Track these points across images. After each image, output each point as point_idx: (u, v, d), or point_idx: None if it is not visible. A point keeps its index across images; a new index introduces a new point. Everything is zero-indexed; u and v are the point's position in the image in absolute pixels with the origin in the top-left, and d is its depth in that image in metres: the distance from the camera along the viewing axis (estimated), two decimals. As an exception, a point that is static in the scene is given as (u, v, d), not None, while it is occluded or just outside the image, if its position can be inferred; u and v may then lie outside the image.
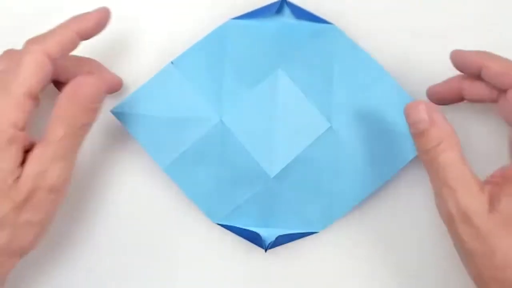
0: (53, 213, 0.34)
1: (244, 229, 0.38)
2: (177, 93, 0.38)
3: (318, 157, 0.38)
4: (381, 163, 0.38)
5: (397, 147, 0.38)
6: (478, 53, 0.35)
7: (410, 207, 0.40)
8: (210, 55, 0.38)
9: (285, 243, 0.38)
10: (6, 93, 0.32)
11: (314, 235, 0.39)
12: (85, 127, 0.34)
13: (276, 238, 0.38)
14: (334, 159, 0.38)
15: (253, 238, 0.38)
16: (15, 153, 0.32)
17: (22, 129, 0.32)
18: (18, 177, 0.32)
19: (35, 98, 0.33)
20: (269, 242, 0.38)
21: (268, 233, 0.38)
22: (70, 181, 0.34)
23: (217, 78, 0.38)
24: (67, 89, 0.33)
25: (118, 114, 0.38)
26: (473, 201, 0.31)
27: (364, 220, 0.40)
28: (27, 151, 0.33)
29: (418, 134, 0.33)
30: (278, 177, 0.37)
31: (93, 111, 0.34)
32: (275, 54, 0.38)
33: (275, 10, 0.39)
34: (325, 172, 0.38)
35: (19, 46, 0.35)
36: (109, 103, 0.39)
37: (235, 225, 0.38)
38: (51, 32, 0.35)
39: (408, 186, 0.40)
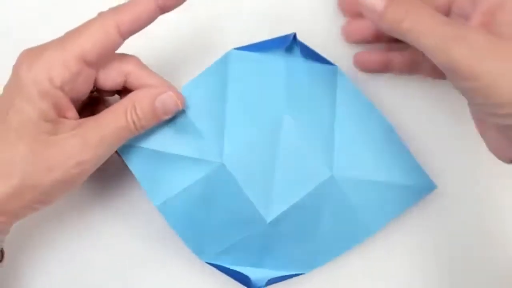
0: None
1: (234, 270, 0.38)
2: (179, 130, 0.36)
3: (315, 205, 0.37)
4: (375, 213, 0.38)
5: (393, 198, 0.38)
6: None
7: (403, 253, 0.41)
8: (213, 89, 0.37)
9: (274, 283, 0.39)
10: (61, 47, 0.32)
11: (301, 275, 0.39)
12: (140, 130, 0.34)
13: (267, 283, 0.38)
14: (330, 206, 0.37)
15: (242, 279, 0.38)
16: (42, 107, 0.32)
17: (59, 88, 0.32)
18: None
19: (88, 64, 0.33)
20: (259, 286, 0.38)
21: (258, 274, 0.38)
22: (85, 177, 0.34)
23: (220, 115, 0.36)
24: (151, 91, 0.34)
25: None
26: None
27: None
28: (61, 115, 0.33)
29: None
30: (274, 223, 0.37)
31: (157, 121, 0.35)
32: (280, 94, 0.37)
33: (286, 46, 0.37)
34: (320, 218, 0.38)
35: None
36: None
37: (224, 265, 0.38)
38: (130, 3, 0.33)
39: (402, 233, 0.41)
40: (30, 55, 0.32)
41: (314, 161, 0.37)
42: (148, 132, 0.36)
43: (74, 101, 0.34)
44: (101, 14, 0.33)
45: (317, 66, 0.38)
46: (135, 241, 0.41)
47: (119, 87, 0.36)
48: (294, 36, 0.37)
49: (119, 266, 0.40)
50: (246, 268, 0.38)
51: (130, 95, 0.34)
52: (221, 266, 0.38)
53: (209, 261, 0.38)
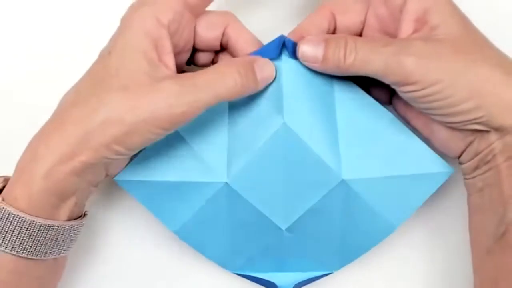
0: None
1: (260, 278, 0.39)
2: (179, 156, 0.37)
3: (330, 208, 0.37)
4: (394, 208, 0.37)
5: (410, 190, 0.37)
6: None
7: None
8: (209, 115, 0.36)
9: (302, 286, 0.39)
10: None
11: (330, 275, 0.39)
12: (239, 92, 0.34)
13: (294, 286, 0.39)
14: (345, 209, 0.37)
15: (270, 286, 0.39)
16: (144, 45, 0.32)
17: (165, 26, 0.33)
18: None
19: (190, 7, 0.34)
20: None
21: (284, 279, 0.39)
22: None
23: (219, 134, 0.37)
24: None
25: (122, 182, 0.37)
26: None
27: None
28: (161, 59, 0.33)
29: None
30: (290, 229, 0.37)
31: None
32: (277, 103, 0.36)
33: (276, 52, 0.36)
34: (336, 222, 0.37)
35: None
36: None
37: (250, 274, 0.39)
38: None
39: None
40: (137, 2, 0.34)
41: (322, 167, 0.36)
42: (150, 165, 0.37)
43: (175, 51, 0.35)
44: None
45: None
46: (161, 253, 0.42)
47: (217, 41, 0.36)
48: (282, 38, 0.36)
49: (146, 277, 0.42)
50: (271, 274, 0.39)
51: (228, 59, 0.35)
52: (247, 275, 0.39)
53: (235, 272, 0.39)
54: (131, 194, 0.37)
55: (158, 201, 0.37)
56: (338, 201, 0.37)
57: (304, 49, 0.34)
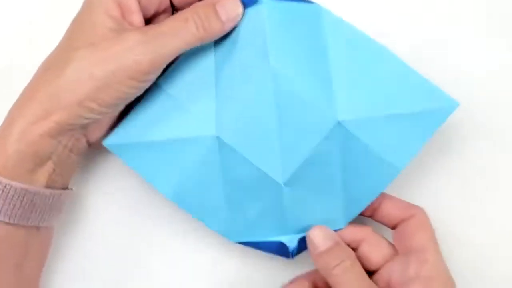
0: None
1: (264, 242, 0.36)
2: (167, 114, 0.35)
3: (328, 155, 0.35)
4: (398, 148, 0.35)
5: (412, 128, 0.35)
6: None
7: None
8: (195, 67, 0.35)
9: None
10: None
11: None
12: (204, 36, 0.33)
13: (298, 242, 0.36)
14: (345, 154, 0.35)
15: (276, 248, 0.36)
16: (108, 4, 0.33)
17: None
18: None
19: None
20: (293, 247, 0.36)
21: (289, 240, 0.36)
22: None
23: (205, 86, 0.35)
24: None
25: (112, 146, 0.35)
26: None
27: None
28: (127, 17, 0.33)
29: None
30: (289, 183, 0.35)
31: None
32: (264, 48, 0.34)
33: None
34: (337, 169, 0.35)
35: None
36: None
37: (253, 240, 0.36)
38: None
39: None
40: None
41: (316, 110, 0.34)
42: (138, 125, 0.35)
43: (149, 11, 0.35)
44: None
45: (297, 6, 0.35)
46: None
47: None
48: None
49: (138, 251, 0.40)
50: (274, 238, 0.36)
51: (190, 7, 0.34)
52: (250, 242, 0.36)
53: (237, 241, 0.36)
54: (122, 159, 0.35)
55: (149, 165, 0.35)
56: (336, 146, 0.34)
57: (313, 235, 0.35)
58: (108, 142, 0.35)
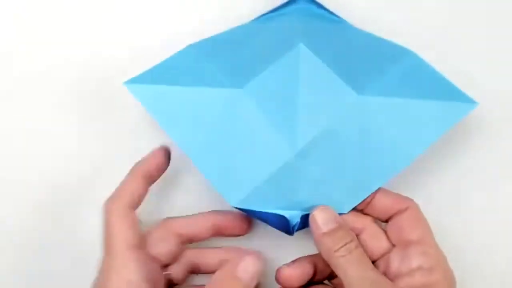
0: None
1: (266, 213, 0.35)
2: (194, 69, 0.36)
3: (344, 131, 0.35)
4: (413, 136, 0.35)
5: (430, 117, 0.35)
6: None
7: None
8: (231, 39, 0.37)
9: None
10: (113, 254, 0.33)
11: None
12: None
13: (301, 218, 0.35)
14: (362, 133, 0.35)
15: (277, 222, 0.35)
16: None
17: (134, 283, 0.33)
18: None
19: (136, 246, 0.34)
20: (295, 222, 0.35)
21: (291, 215, 0.35)
22: None
23: (237, 55, 0.36)
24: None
25: (131, 87, 0.35)
26: None
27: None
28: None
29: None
30: (301, 154, 0.34)
31: None
32: (296, 29, 0.36)
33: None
34: (352, 148, 0.35)
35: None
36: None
37: (254, 209, 0.35)
38: (122, 185, 0.35)
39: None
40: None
41: (338, 86, 0.35)
42: (163, 73, 0.36)
43: None
44: (108, 209, 0.34)
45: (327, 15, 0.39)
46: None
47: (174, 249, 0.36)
48: None
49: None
50: (277, 211, 0.35)
51: (212, 281, 0.34)
52: (250, 210, 0.35)
53: (237, 206, 0.35)
54: (139, 101, 0.35)
55: (167, 110, 0.35)
56: (352, 123, 0.35)
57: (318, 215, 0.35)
58: (128, 82, 0.35)
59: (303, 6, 0.38)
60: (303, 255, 0.37)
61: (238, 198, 0.35)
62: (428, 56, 0.37)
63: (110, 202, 0.34)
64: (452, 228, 0.39)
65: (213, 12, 0.40)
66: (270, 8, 0.39)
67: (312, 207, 0.35)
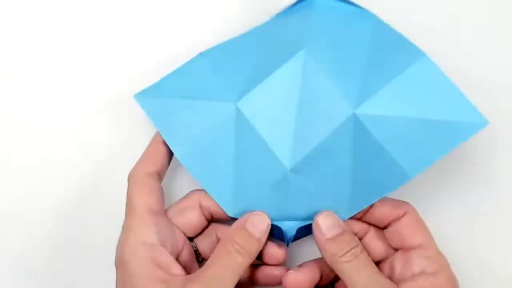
0: None
1: None
2: (198, 80, 0.36)
3: (339, 148, 0.34)
4: (413, 154, 0.33)
5: (430, 139, 0.33)
6: None
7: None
8: (241, 45, 0.37)
9: (307, 235, 0.36)
10: (132, 216, 0.34)
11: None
12: (250, 258, 0.34)
13: (297, 231, 0.35)
14: (357, 149, 0.34)
15: (274, 233, 0.36)
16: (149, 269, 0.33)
17: (151, 245, 0.33)
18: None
19: (155, 212, 0.35)
20: (290, 235, 0.35)
21: (287, 227, 0.35)
22: None
23: (242, 64, 0.36)
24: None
25: (140, 100, 0.36)
26: None
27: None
28: (169, 272, 0.33)
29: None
30: (296, 169, 0.34)
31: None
32: (301, 34, 0.35)
33: None
34: (346, 163, 0.34)
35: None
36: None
37: None
38: (144, 152, 0.36)
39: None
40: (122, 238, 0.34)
41: (335, 99, 0.34)
42: (172, 85, 0.36)
43: (176, 256, 0.35)
44: (131, 176, 0.36)
45: (346, 7, 0.36)
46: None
47: (199, 220, 0.37)
48: None
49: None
50: (274, 222, 0.36)
51: (223, 236, 0.36)
52: None
53: (235, 216, 0.36)
54: (145, 113, 0.37)
55: (169, 122, 0.36)
56: (348, 139, 0.34)
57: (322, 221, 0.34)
58: (137, 96, 0.37)
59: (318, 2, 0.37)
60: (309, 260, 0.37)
61: (236, 209, 0.36)
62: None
63: (133, 169, 0.36)
64: (449, 233, 0.39)
65: (232, 14, 0.40)
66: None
67: (309, 217, 0.35)
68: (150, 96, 0.37)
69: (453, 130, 0.33)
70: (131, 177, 0.35)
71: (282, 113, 0.34)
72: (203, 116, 0.36)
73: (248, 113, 0.35)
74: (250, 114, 0.35)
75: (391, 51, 0.35)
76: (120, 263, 0.33)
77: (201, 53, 0.37)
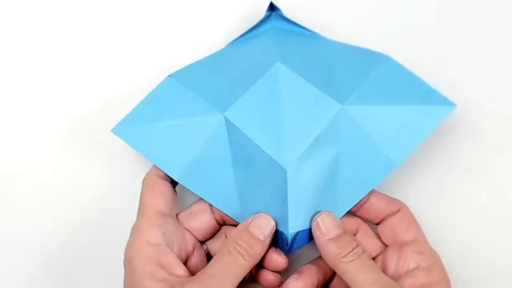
0: None
1: None
2: (176, 101, 0.37)
3: (331, 143, 0.36)
4: (397, 141, 0.36)
5: (412, 122, 0.36)
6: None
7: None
8: (209, 65, 0.39)
9: (308, 242, 0.36)
10: (141, 217, 0.35)
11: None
12: (252, 260, 0.34)
13: (297, 235, 0.35)
14: (347, 143, 0.36)
15: (277, 238, 0.36)
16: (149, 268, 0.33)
17: (155, 245, 0.34)
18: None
19: (164, 213, 0.35)
20: (290, 238, 0.35)
21: (286, 232, 0.36)
22: None
23: (216, 81, 0.37)
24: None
25: (119, 133, 0.37)
26: None
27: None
28: (172, 273, 0.33)
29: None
30: (294, 172, 0.35)
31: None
32: (270, 51, 0.38)
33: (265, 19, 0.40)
34: (339, 157, 0.36)
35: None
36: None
37: None
38: None
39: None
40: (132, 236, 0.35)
41: (320, 99, 0.36)
42: (147, 112, 0.37)
43: (184, 254, 0.36)
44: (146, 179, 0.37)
45: (300, 30, 0.41)
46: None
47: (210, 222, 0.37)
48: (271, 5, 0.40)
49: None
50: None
51: (227, 238, 0.36)
52: None
53: (238, 220, 0.36)
54: (129, 144, 0.37)
55: (157, 148, 0.36)
56: (339, 134, 0.36)
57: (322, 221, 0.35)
58: (116, 129, 0.37)
59: (275, 24, 0.40)
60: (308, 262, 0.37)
61: (245, 216, 0.36)
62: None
63: (147, 173, 0.37)
64: (438, 228, 0.40)
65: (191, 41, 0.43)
66: (244, 30, 0.41)
67: (308, 220, 0.35)
68: (128, 126, 0.37)
69: (428, 115, 0.36)
70: (144, 180, 0.36)
71: (271, 117, 0.36)
72: (192, 133, 0.36)
73: (237, 122, 0.36)
74: (240, 123, 0.36)
75: (356, 58, 0.38)
76: (126, 262, 0.34)
77: (169, 75, 0.38)
